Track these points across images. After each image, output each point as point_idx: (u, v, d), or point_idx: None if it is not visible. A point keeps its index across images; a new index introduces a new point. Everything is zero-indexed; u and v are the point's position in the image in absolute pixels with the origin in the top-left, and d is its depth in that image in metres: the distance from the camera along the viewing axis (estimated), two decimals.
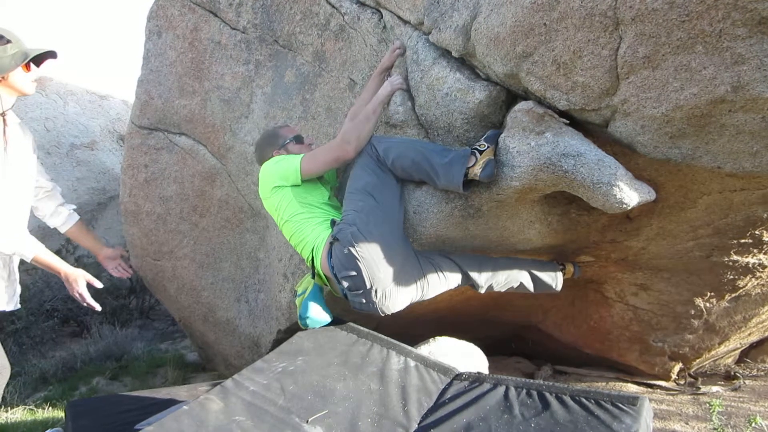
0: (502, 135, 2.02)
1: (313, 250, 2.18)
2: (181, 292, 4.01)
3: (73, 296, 2.22)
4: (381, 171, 2.20)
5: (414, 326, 3.20)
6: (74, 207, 2.57)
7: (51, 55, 2.10)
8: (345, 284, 2.07)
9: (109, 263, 2.69)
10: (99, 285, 2.24)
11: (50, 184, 2.43)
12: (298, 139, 2.46)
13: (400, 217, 2.24)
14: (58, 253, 6.12)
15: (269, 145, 2.46)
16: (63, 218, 2.48)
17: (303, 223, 2.24)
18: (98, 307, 2.24)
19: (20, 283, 2.29)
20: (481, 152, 2.02)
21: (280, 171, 2.28)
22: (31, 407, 3.88)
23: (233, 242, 3.54)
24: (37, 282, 5.74)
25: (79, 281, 2.19)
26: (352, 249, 2.00)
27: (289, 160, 2.28)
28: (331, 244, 2.10)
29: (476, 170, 2.01)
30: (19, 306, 2.25)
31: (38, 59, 2.08)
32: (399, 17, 2.37)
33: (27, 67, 2.04)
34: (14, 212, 2.09)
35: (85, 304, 2.22)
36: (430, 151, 2.13)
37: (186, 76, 3.37)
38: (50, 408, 3.89)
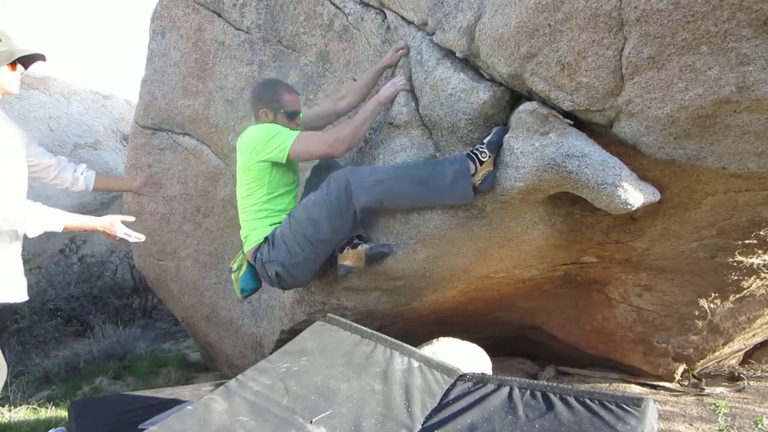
0: (507, 136, 2.02)
1: (247, 241, 2.42)
2: (184, 292, 4.02)
3: (117, 242, 2.40)
4: (338, 218, 2.21)
5: (417, 326, 3.20)
6: (85, 165, 2.70)
7: (39, 57, 2.15)
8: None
9: (144, 191, 2.95)
10: (131, 219, 2.45)
11: (54, 159, 2.53)
12: (292, 116, 2.39)
13: (323, 259, 2.38)
14: (61, 252, 6.15)
15: (266, 100, 2.38)
16: (83, 181, 2.65)
17: (257, 214, 2.37)
18: (143, 238, 2.43)
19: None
20: (481, 162, 2.02)
21: (270, 148, 2.25)
22: (34, 406, 3.89)
23: (236, 242, 3.54)
24: (40, 281, 5.76)
25: (116, 226, 2.32)
26: (272, 278, 2.36)
27: (281, 138, 2.23)
28: (257, 257, 2.38)
29: (476, 179, 2.05)
30: (26, 298, 2.28)
31: (26, 61, 2.13)
32: (403, 18, 2.37)
33: (13, 66, 2.08)
34: (13, 198, 2.12)
35: (133, 240, 2.39)
36: (427, 176, 2.12)
37: (190, 77, 3.38)
38: (53, 407, 3.89)
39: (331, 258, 2.37)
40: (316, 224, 2.22)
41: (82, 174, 2.62)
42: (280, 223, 2.35)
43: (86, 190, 2.71)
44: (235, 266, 2.56)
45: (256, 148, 2.28)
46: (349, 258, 2.30)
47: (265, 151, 2.26)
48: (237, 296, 2.64)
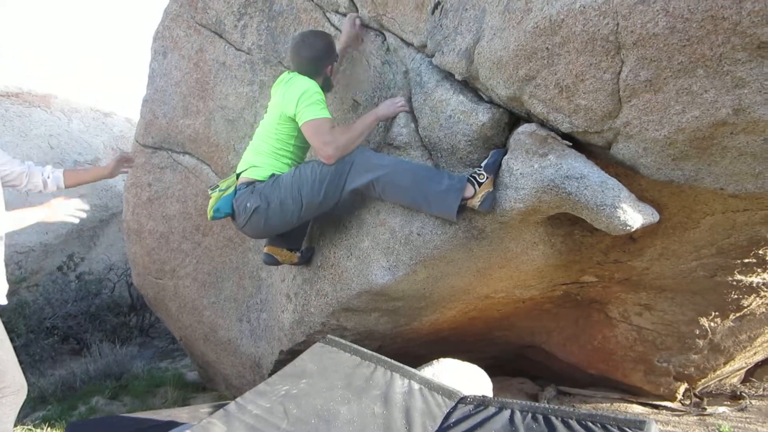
0: (506, 157, 2.03)
1: (253, 169, 2.44)
2: (182, 311, 4.00)
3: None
4: (332, 190, 2.26)
5: (416, 346, 3.18)
6: (50, 167, 2.72)
7: None
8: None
9: (118, 172, 2.93)
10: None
11: (23, 166, 2.59)
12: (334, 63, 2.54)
13: (298, 222, 2.45)
14: (59, 269, 6.13)
15: (328, 58, 2.46)
16: (52, 183, 2.68)
17: (281, 158, 2.45)
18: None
19: (20, 299, 2.34)
20: (479, 183, 2.03)
21: (301, 112, 2.28)
22: (29, 427, 3.84)
23: (236, 262, 3.54)
24: (37, 299, 5.72)
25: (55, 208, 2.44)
26: (248, 208, 2.37)
27: (313, 109, 2.27)
28: (251, 186, 2.41)
29: (474, 202, 2.05)
30: (5, 302, 2.36)
31: None
32: (402, 40, 2.39)
33: None
34: None
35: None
36: (424, 177, 2.14)
37: (191, 96, 3.40)
38: (49, 428, 3.84)
39: (300, 226, 2.56)
40: (313, 186, 2.27)
41: (48, 177, 2.65)
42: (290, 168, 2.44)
43: (59, 191, 2.71)
44: (223, 186, 2.58)
45: (293, 102, 2.30)
46: (282, 256, 2.65)
47: (296, 112, 2.30)
48: (207, 216, 2.64)
